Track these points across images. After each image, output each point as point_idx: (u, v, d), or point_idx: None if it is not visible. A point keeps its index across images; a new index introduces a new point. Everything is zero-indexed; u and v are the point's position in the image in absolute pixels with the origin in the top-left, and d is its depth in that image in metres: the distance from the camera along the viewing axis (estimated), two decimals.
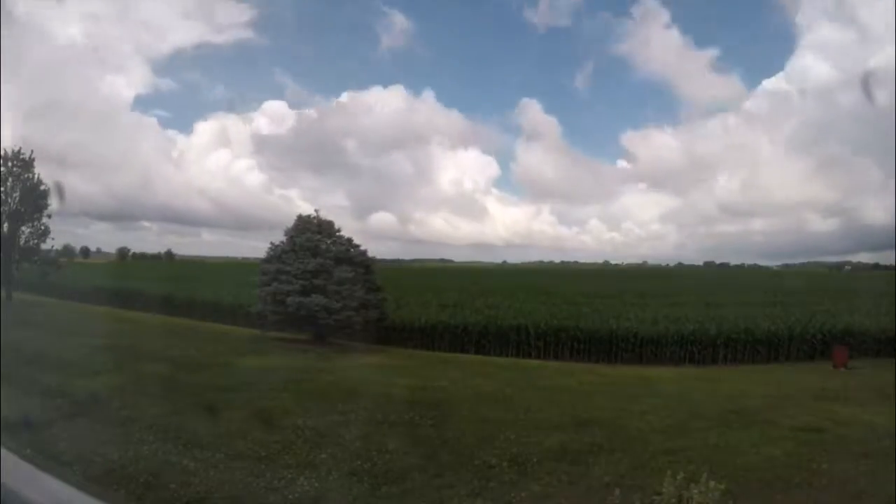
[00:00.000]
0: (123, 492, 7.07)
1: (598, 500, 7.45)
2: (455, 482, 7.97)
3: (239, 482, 7.63)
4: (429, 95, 72.95)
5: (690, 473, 7.11)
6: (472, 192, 72.45)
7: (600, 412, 12.32)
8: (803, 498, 7.51)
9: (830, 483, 8.02)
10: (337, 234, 22.60)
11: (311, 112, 73.70)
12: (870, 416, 12.09)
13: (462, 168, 75.66)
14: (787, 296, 35.89)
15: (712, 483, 6.54)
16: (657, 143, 74.11)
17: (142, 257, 74.73)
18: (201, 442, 9.08)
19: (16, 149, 29.21)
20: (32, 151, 29.70)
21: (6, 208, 28.78)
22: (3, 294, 28.99)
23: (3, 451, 1.83)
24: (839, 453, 9.48)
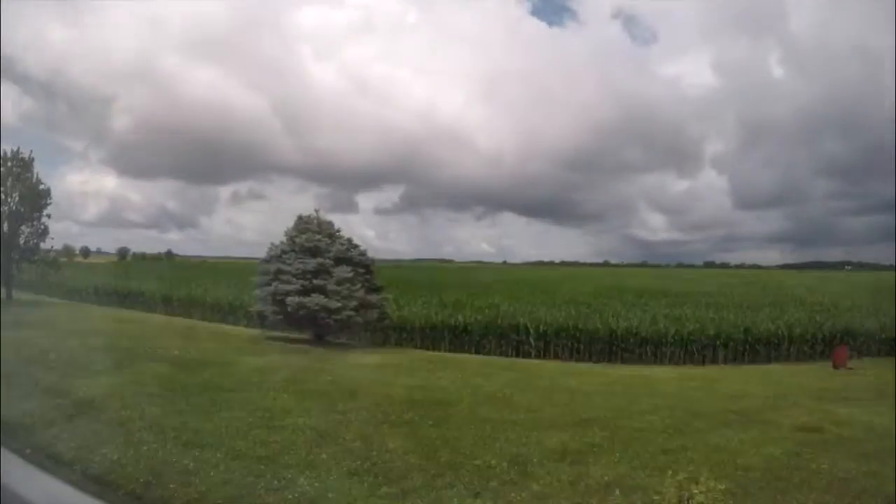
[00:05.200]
0: (122, 492, 7.06)
1: (598, 500, 7.45)
2: (455, 482, 7.97)
3: (239, 482, 7.62)
4: None
5: (691, 473, 7.12)
6: None
7: (600, 412, 12.32)
8: (803, 498, 7.50)
9: (830, 483, 8.03)
10: (337, 233, 22.64)
11: None
12: (870, 416, 12.09)
13: None
14: (786, 295, 35.91)
15: (712, 483, 6.54)
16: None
17: (142, 257, 74.58)
18: (201, 442, 9.09)
19: (15, 149, 29.30)
20: (32, 151, 29.81)
21: (6, 208, 28.81)
22: (2, 294, 29.03)
23: (2, 451, 1.82)
24: (839, 453, 9.47)
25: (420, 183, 60.63)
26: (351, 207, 56.29)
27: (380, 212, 60.69)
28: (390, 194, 77.23)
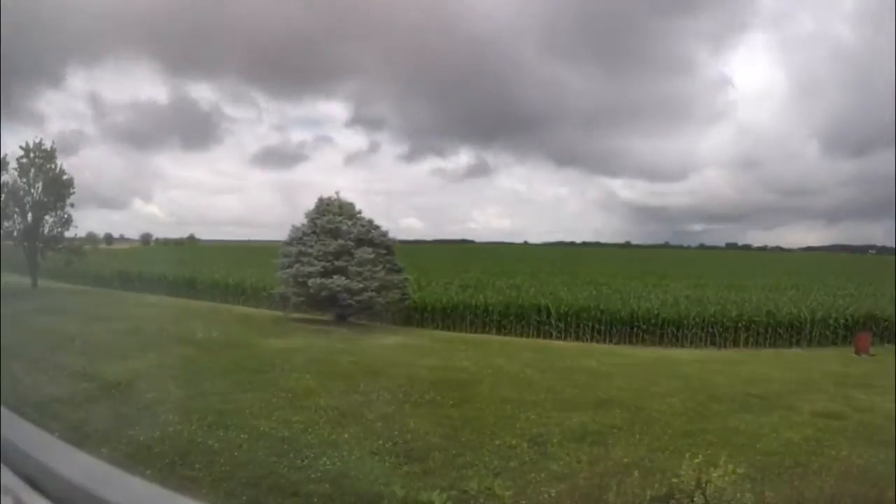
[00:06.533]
0: (149, 472, 7.23)
1: (616, 482, 7.48)
2: (476, 461, 8.05)
3: (262, 462, 7.77)
4: None
5: (709, 457, 7.13)
6: None
7: (620, 393, 12.34)
8: (821, 484, 7.47)
9: (849, 470, 7.98)
10: (358, 215, 22.71)
11: None
12: (891, 403, 11.94)
13: None
14: (810, 279, 35.48)
15: (731, 466, 6.54)
16: None
17: (164, 243, 75.47)
18: (225, 422, 9.26)
19: (37, 140, 29.76)
20: (54, 142, 30.28)
21: (29, 199, 29.33)
22: (29, 282, 29.67)
23: (3, 441, 1.84)
24: (859, 440, 9.42)
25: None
26: None
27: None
28: None
